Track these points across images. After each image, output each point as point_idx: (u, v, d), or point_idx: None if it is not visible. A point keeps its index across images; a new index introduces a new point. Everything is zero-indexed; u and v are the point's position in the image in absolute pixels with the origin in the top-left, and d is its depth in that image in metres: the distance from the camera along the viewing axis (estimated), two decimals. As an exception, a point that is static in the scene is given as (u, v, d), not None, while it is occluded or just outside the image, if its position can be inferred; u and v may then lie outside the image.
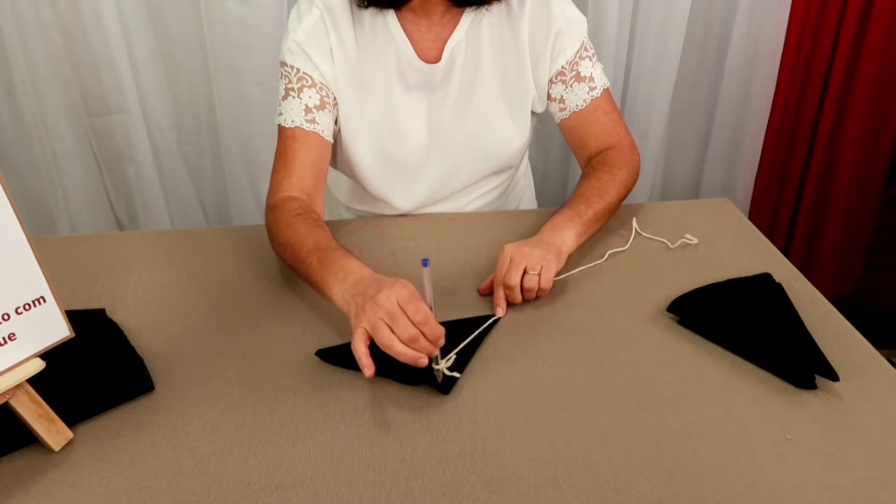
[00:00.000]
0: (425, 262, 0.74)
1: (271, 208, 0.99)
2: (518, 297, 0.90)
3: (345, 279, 0.82)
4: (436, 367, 0.77)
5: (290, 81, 1.02)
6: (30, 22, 1.55)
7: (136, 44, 1.65)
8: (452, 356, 0.80)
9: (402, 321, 0.73)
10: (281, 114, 1.03)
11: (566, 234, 0.96)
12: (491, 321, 0.89)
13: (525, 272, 0.90)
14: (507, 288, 0.90)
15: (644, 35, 1.74)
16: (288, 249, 0.92)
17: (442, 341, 0.76)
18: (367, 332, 0.74)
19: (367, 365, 0.73)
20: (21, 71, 1.59)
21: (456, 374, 0.79)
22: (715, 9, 1.75)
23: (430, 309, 0.74)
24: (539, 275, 0.89)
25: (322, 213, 1.03)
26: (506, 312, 0.91)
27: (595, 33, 1.68)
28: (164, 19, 1.64)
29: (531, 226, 1.09)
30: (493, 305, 0.91)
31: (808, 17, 1.69)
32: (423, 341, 0.73)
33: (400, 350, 0.72)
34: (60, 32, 1.58)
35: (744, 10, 1.70)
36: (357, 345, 0.74)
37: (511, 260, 0.91)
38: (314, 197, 1.02)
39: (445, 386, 0.79)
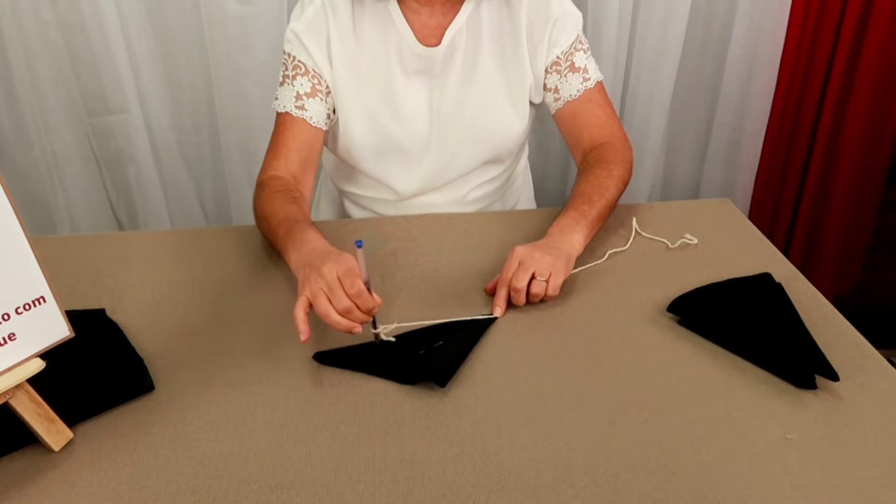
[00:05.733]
0: (359, 244, 0.79)
1: (258, 186, 1.06)
2: (522, 300, 0.91)
3: (301, 248, 0.89)
4: (373, 331, 0.84)
5: (286, 69, 1.08)
6: (30, 21, 1.55)
7: (136, 44, 1.65)
8: (393, 326, 0.85)
9: (339, 293, 0.79)
10: (277, 99, 1.09)
11: (574, 239, 0.97)
12: (488, 320, 0.89)
13: (533, 277, 0.90)
14: (514, 290, 0.90)
15: (644, 35, 1.74)
16: (263, 222, 1.00)
17: (375, 311, 0.81)
18: (308, 299, 0.80)
19: (304, 331, 0.79)
20: (21, 71, 1.59)
21: (392, 339, 0.84)
22: (715, 9, 1.74)
23: (367, 284, 0.80)
24: (547, 281, 0.90)
25: (309, 194, 1.08)
26: (504, 313, 0.91)
27: (595, 33, 1.68)
28: (164, 19, 1.64)
29: (531, 226, 1.09)
30: (492, 304, 0.92)
31: (808, 17, 1.69)
32: (356, 312, 0.79)
33: (335, 319, 0.78)
34: (60, 32, 1.58)
35: (744, 10, 1.70)
36: (297, 311, 0.80)
37: (520, 263, 0.91)
38: (301, 179, 1.07)
39: (442, 378, 0.79)
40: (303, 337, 0.79)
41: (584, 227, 0.98)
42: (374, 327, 0.84)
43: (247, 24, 1.60)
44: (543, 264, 0.90)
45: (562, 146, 1.89)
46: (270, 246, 1.00)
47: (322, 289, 0.79)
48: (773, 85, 1.77)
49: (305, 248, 0.88)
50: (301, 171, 1.07)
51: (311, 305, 0.80)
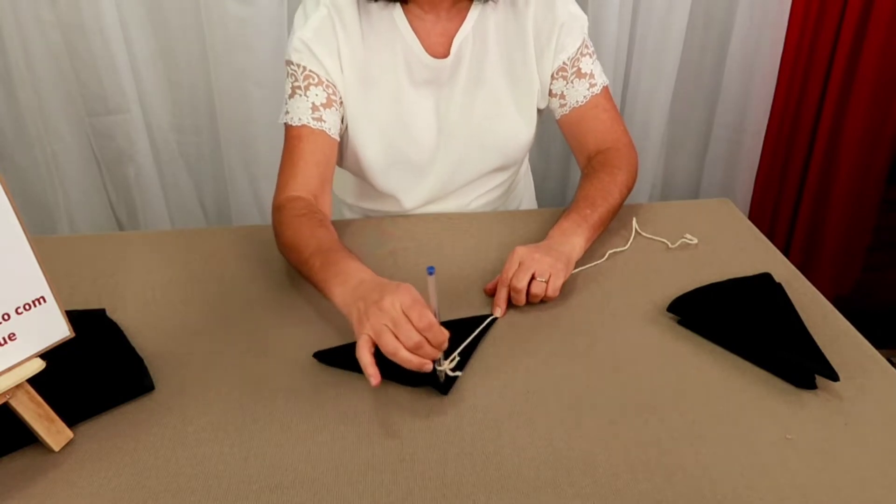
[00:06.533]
0: (431, 271, 0.73)
1: (277, 209, 0.99)
2: (522, 300, 0.90)
3: (346, 282, 0.81)
4: (439, 368, 0.77)
5: (296, 80, 1.02)
6: (30, 22, 1.55)
7: (136, 44, 1.65)
8: (456, 357, 0.79)
9: (407, 328, 0.72)
10: (287, 112, 1.03)
11: (575, 241, 0.96)
12: (489, 321, 0.89)
13: (533, 278, 0.90)
14: (514, 290, 0.90)
15: (644, 35, 1.74)
16: (292, 251, 0.92)
17: (445, 345, 0.75)
18: (370, 339, 0.73)
19: (374, 374, 0.72)
20: (21, 71, 1.59)
21: (458, 374, 0.79)
22: (715, 9, 1.74)
23: (435, 315, 0.74)
24: (547, 282, 0.89)
25: (329, 212, 1.03)
26: (504, 313, 0.91)
27: (595, 33, 1.68)
28: (164, 19, 1.64)
29: (532, 226, 1.09)
30: (492, 305, 0.92)
31: (808, 17, 1.69)
32: (427, 347, 0.72)
33: (405, 357, 0.72)
34: (60, 32, 1.58)
35: (744, 10, 1.70)
36: (362, 353, 0.73)
37: (521, 264, 0.91)
38: (320, 197, 1.01)
39: (445, 386, 0.79)
40: (373, 381, 0.72)
41: (586, 231, 0.98)
42: (440, 364, 0.77)
43: (247, 25, 1.59)
44: (543, 265, 0.90)
45: (562, 147, 1.89)
46: (301, 275, 0.92)
47: (386, 325, 0.72)
48: (773, 85, 1.77)
49: (352, 281, 0.81)
50: (320, 188, 1.01)
51: (374, 344, 0.73)
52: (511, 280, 0.90)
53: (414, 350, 0.72)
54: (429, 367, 0.73)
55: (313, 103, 1.01)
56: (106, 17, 1.57)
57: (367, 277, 0.81)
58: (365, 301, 0.76)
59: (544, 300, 0.92)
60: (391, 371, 0.80)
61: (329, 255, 0.86)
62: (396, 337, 0.72)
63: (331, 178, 1.04)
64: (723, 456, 0.70)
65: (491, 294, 0.94)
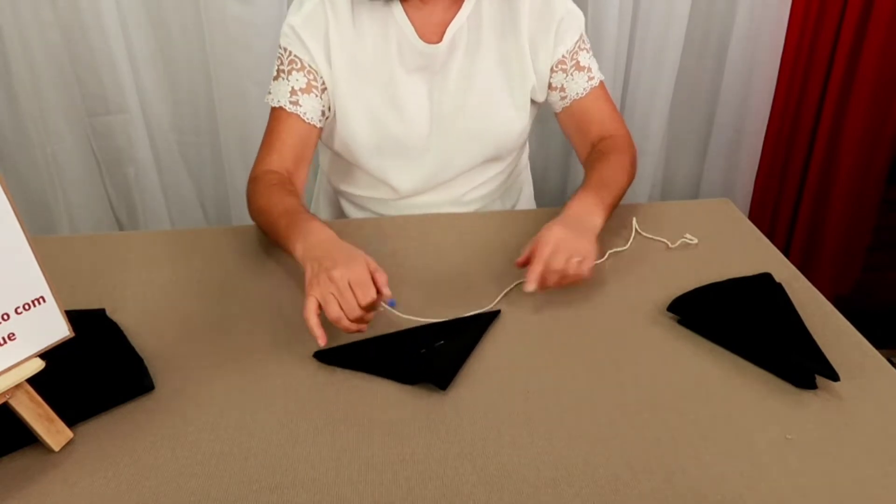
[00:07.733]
0: (391, 304, 0.84)
1: (252, 180, 1.06)
2: (555, 281, 0.88)
3: (307, 238, 0.88)
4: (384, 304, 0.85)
5: (282, 63, 1.08)
6: (30, 22, 1.55)
7: (136, 44, 1.65)
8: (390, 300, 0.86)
9: (352, 303, 0.79)
10: (270, 93, 1.09)
11: (596, 221, 0.96)
12: (489, 313, 0.89)
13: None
14: (551, 271, 0.87)
15: (644, 35, 1.74)
16: (262, 215, 1.00)
17: (379, 302, 0.83)
18: (317, 301, 0.80)
19: (320, 336, 0.79)
20: (21, 71, 1.59)
21: (394, 308, 0.87)
22: (715, 9, 1.74)
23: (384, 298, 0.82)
24: (581, 262, 0.88)
25: (303, 189, 1.09)
26: (537, 289, 0.88)
27: (595, 33, 1.68)
28: (164, 19, 1.64)
29: (531, 227, 1.08)
30: (525, 279, 0.88)
31: (808, 17, 1.69)
32: (366, 317, 0.81)
33: (346, 326, 0.80)
34: (60, 32, 1.58)
35: (744, 10, 1.70)
36: (308, 314, 0.79)
37: (556, 246, 0.88)
38: (295, 174, 1.07)
39: (442, 381, 0.79)
40: (321, 342, 0.79)
41: (603, 212, 0.97)
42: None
43: (247, 24, 1.60)
44: (580, 248, 0.89)
45: (562, 145, 1.89)
46: (270, 239, 1.00)
47: (333, 294, 0.79)
48: (773, 85, 1.77)
49: (311, 238, 0.88)
50: (295, 166, 1.07)
51: (320, 307, 0.80)
52: (549, 262, 0.87)
53: (354, 321, 0.80)
54: (364, 328, 0.82)
55: (292, 87, 1.06)
56: (106, 17, 1.57)
57: (325, 237, 0.88)
58: (320, 264, 0.82)
59: (572, 284, 0.90)
60: (389, 369, 0.81)
61: (294, 217, 0.93)
62: (341, 307, 0.79)
63: (307, 159, 1.09)
64: (723, 456, 0.70)
65: (521, 267, 0.92)
